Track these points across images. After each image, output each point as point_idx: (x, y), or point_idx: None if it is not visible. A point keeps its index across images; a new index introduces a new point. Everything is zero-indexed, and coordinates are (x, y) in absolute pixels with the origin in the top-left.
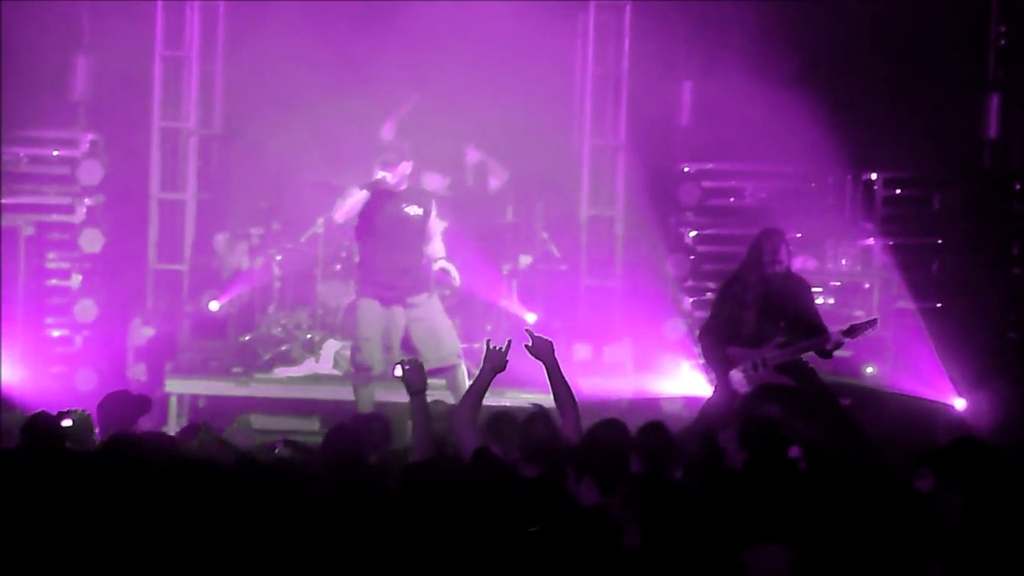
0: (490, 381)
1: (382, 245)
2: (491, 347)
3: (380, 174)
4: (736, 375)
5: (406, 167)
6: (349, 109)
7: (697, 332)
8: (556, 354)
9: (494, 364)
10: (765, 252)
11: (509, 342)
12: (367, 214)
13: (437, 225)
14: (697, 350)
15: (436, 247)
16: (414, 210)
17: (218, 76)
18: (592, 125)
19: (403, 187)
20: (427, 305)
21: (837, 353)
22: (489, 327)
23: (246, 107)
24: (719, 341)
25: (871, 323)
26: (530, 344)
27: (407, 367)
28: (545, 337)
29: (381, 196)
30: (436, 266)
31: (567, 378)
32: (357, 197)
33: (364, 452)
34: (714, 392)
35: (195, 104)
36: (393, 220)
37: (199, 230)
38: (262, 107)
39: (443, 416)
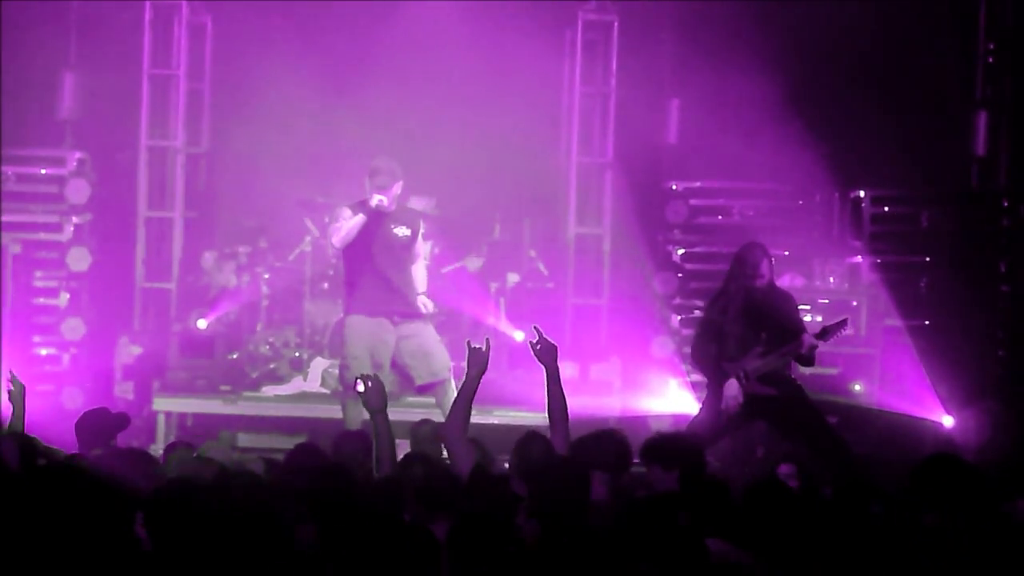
0: (477, 386)
1: (370, 265)
2: (472, 347)
3: (376, 198)
4: (731, 386)
5: (399, 188)
6: (336, 127)
7: (688, 348)
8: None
9: (479, 366)
10: (747, 265)
11: (488, 341)
12: (362, 238)
13: (424, 247)
14: (687, 366)
15: (419, 275)
16: (402, 231)
17: (205, 94)
18: (579, 143)
19: (392, 208)
20: (417, 323)
21: (824, 371)
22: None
23: (233, 125)
24: (709, 353)
25: (841, 324)
26: (536, 343)
27: (369, 384)
28: (551, 341)
29: (370, 217)
30: (417, 300)
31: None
32: (355, 221)
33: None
34: (701, 409)
35: (182, 122)
36: (381, 241)
37: (187, 248)
38: (249, 125)
39: (430, 437)
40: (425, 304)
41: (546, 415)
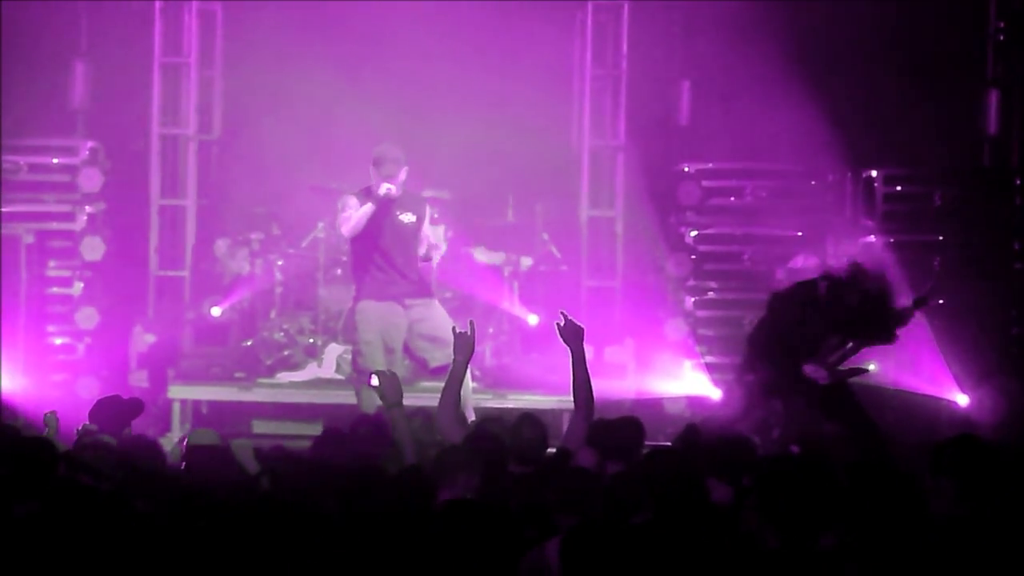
0: (465, 370)
1: (377, 251)
2: (457, 332)
3: (385, 187)
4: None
5: (404, 173)
6: (347, 113)
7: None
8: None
9: (464, 352)
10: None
11: (472, 323)
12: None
13: (438, 230)
14: (702, 348)
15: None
16: (408, 217)
17: (217, 82)
18: (591, 126)
19: (399, 194)
20: (428, 306)
21: None
22: (491, 329)
23: (245, 112)
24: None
25: (935, 287)
26: (562, 325)
27: (383, 379)
28: (577, 323)
29: (378, 205)
30: (430, 250)
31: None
32: (364, 211)
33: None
34: (725, 395)
35: (194, 110)
36: (387, 227)
37: (200, 236)
38: (261, 112)
39: (427, 427)
40: (437, 244)
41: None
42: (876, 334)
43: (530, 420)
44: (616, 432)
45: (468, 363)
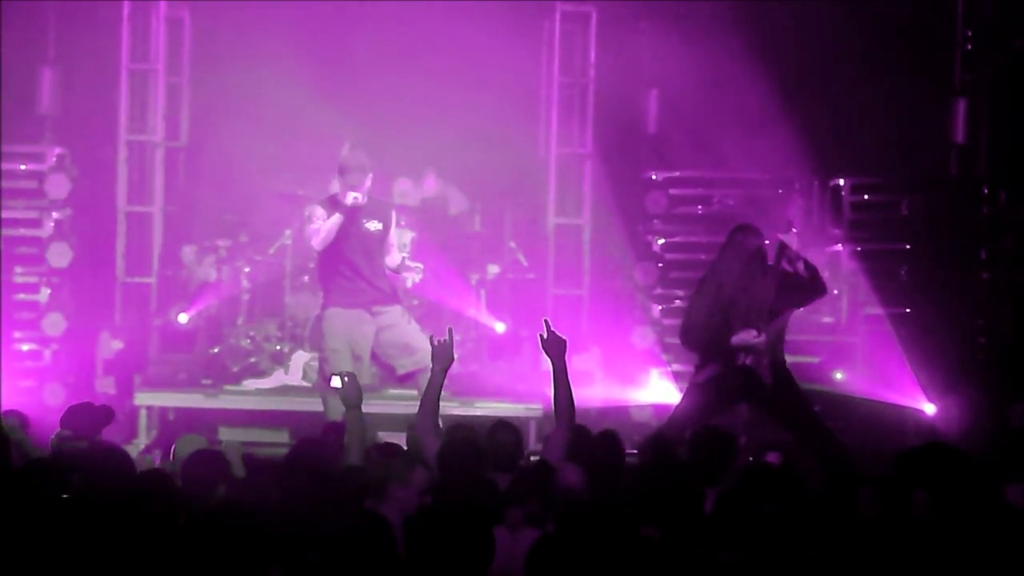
0: (443, 380)
1: (344, 260)
2: (436, 342)
3: (352, 196)
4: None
5: (369, 180)
6: (314, 120)
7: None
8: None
9: (443, 361)
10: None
11: (450, 331)
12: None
13: (404, 236)
14: (668, 356)
15: (393, 258)
16: (374, 225)
17: (184, 89)
18: (559, 134)
19: (364, 202)
20: (395, 313)
21: (805, 359)
22: (458, 337)
23: (212, 119)
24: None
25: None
26: (544, 336)
27: (345, 380)
28: (561, 335)
29: (345, 214)
30: (401, 265)
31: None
32: (332, 222)
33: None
34: (683, 398)
35: (161, 117)
36: (354, 236)
37: (167, 243)
38: (228, 119)
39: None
40: (416, 268)
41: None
42: (804, 291)
43: (505, 426)
44: (597, 448)
45: (446, 372)
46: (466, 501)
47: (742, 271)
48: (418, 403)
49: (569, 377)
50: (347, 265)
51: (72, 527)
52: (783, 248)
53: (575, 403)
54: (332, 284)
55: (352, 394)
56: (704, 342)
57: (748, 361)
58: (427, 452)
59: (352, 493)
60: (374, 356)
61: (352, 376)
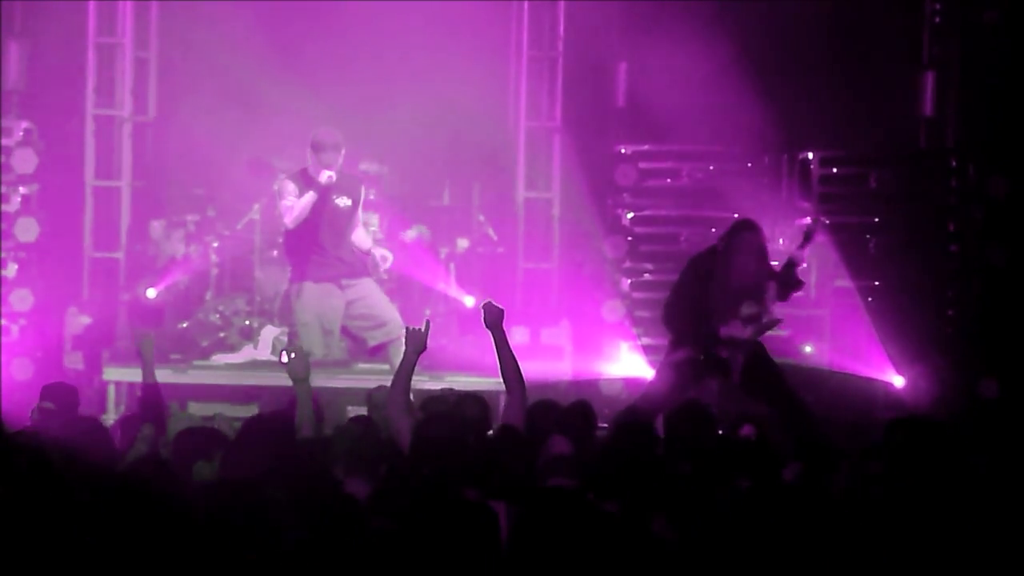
0: (415, 363)
1: (314, 235)
2: (410, 329)
3: (326, 175)
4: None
5: (342, 157)
6: (284, 92)
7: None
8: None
9: (415, 346)
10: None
11: (427, 323)
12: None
13: (371, 218)
14: (638, 329)
15: (361, 237)
16: (344, 201)
17: (152, 63)
18: (528, 107)
19: (335, 180)
20: (364, 285)
21: (774, 332)
22: (427, 311)
23: (181, 93)
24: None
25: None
26: (484, 312)
27: (292, 356)
28: (497, 305)
29: (319, 192)
30: (375, 251)
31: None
32: (307, 200)
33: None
34: (656, 375)
35: (129, 91)
36: (325, 212)
37: (135, 218)
38: (197, 93)
39: (383, 404)
40: (384, 256)
41: (497, 380)
42: (782, 285)
43: (472, 398)
44: (568, 419)
45: (417, 357)
46: (442, 472)
47: (756, 270)
48: (387, 378)
49: (510, 343)
50: (316, 240)
51: (61, 508)
52: (810, 235)
53: (536, 375)
54: (300, 258)
55: (299, 368)
56: (684, 327)
57: (725, 354)
58: (398, 431)
59: (312, 466)
60: (344, 329)
61: (299, 350)
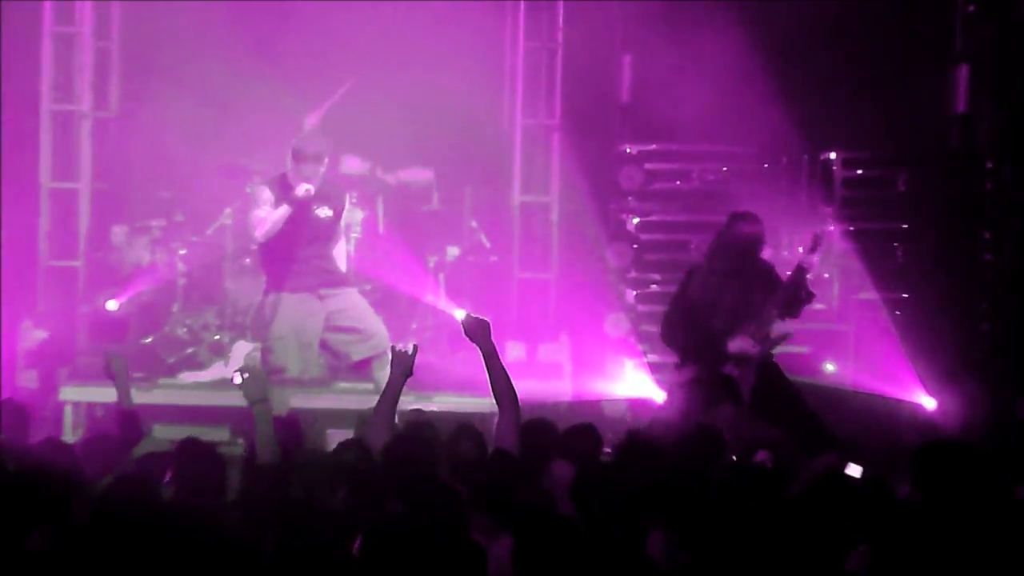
0: (401, 387)
1: (290, 247)
2: (397, 350)
3: (304, 188)
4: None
5: (324, 168)
6: (260, 87)
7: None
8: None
9: (402, 368)
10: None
11: (415, 346)
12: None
13: (355, 215)
14: (644, 346)
15: (339, 254)
16: (324, 212)
17: (113, 53)
18: (524, 104)
19: (313, 193)
20: (346, 295)
21: (792, 349)
22: (414, 325)
23: (145, 87)
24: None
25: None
26: (466, 324)
27: (246, 376)
28: (481, 317)
29: (295, 205)
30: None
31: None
32: (280, 213)
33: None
34: (666, 399)
35: (88, 84)
36: (303, 223)
37: (95, 222)
38: (162, 86)
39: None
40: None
41: (492, 401)
42: (789, 297)
43: (467, 433)
44: (571, 444)
45: (404, 381)
46: (429, 509)
47: (734, 266)
48: (370, 396)
49: (500, 358)
50: (292, 251)
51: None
52: (819, 239)
53: (534, 394)
54: (276, 268)
55: (254, 389)
56: (688, 343)
57: (733, 372)
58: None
59: (274, 490)
60: (323, 343)
61: (254, 369)
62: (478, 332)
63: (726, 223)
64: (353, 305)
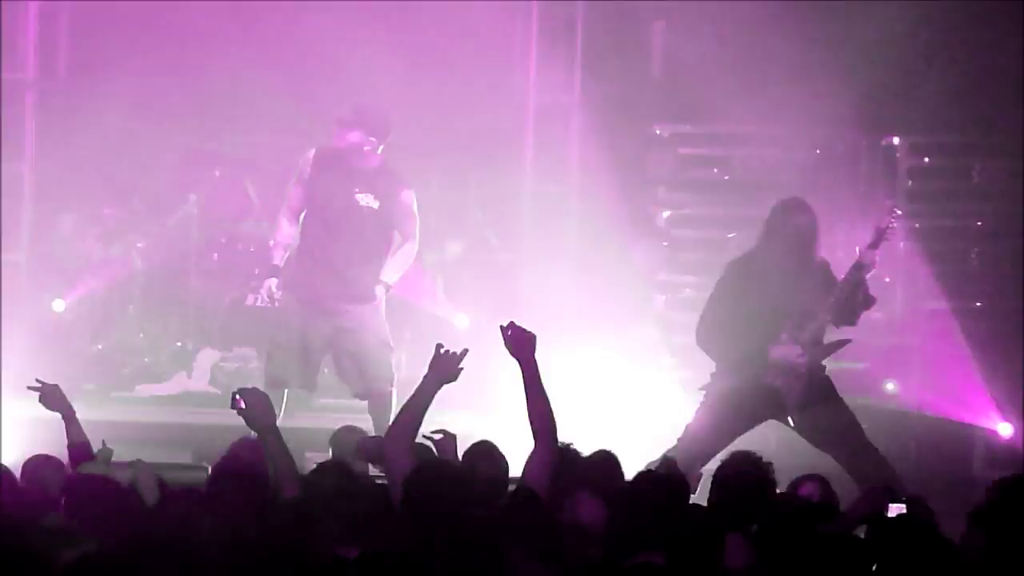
0: (434, 395)
1: (319, 237)
2: (441, 352)
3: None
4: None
5: (370, 147)
6: (236, 58)
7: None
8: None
9: (441, 374)
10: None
11: (466, 350)
12: (316, 199)
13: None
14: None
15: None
16: (366, 199)
17: (63, 16)
18: (539, 79)
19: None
20: (361, 314)
21: (849, 365)
22: (408, 334)
23: (98, 55)
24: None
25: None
26: (508, 333)
27: (251, 399)
28: (528, 330)
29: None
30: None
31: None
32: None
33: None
34: (694, 418)
35: (34, 50)
36: (336, 209)
37: (40, 210)
38: (118, 54)
39: (353, 448)
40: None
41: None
42: (845, 299)
43: (485, 455)
44: (588, 475)
45: (439, 388)
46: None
47: (780, 262)
48: (356, 416)
49: (543, 382)
50: (321, 244)
51: None
52: (884, 232)
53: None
54: (294, 263)
55: (261, 414)
56: (726, 347)
57: (778, 383)
58: (394, 476)
59: (299, 531)
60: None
61: (259, 393)
62: (524, 347)
63: (772, 212)
64: (365, 328)
